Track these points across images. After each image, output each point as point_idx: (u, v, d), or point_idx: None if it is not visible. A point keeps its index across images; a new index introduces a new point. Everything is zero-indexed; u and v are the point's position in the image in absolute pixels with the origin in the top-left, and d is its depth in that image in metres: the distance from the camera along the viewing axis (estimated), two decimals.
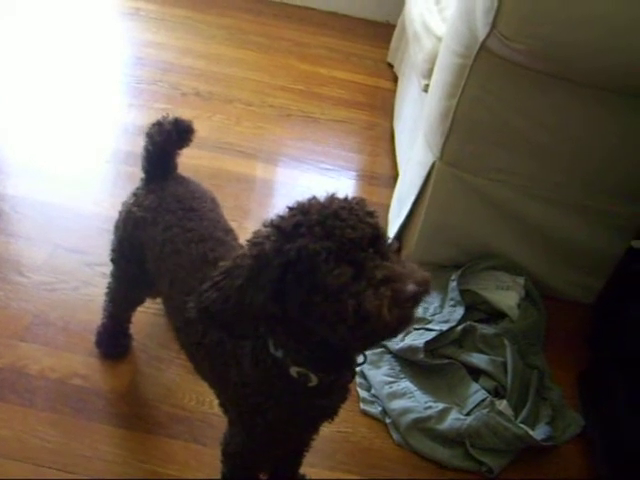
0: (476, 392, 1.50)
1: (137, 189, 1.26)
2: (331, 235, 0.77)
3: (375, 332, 0.78)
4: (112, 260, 1.32)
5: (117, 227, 1.27)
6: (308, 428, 1.09)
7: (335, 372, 0.93)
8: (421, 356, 1.53)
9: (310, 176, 2.16)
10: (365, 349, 0.92)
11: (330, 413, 1.03)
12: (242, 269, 0.82)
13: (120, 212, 1.27)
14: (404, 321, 0.79)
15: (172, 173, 1.26)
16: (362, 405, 1.50)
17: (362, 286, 0.77)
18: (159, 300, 1.33)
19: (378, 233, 0.81)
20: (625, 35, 1.31)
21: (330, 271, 0.76)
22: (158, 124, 1.20)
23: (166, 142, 1.20)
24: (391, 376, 1.53)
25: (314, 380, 0.91)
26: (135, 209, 1.22)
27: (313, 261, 0.77)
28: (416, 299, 0.78)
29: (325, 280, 0.77)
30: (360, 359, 0.95)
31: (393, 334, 0.81)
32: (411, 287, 0.76)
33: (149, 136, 1.21)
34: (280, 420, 0.98)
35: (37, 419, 1.35)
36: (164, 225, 1.15)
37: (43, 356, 1.47)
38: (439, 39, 1.73)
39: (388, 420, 1.47)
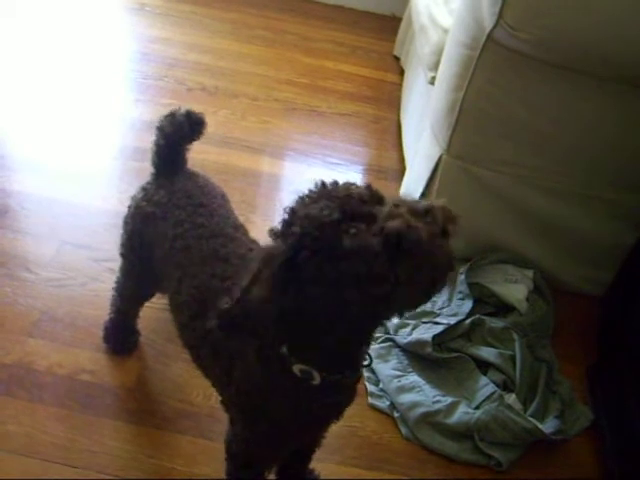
0: (485, 386, 1.49)
1: (146, 184, 1.25)
2: (332, 198, 0.75)
3: (422, 261, 0.72)
4: (121, 255, 1.31)
5: (126, 222, 1.27)
6: (312, 428, 1.08)
7: (339, 371, 0.91)
8: (429, 350, 1.53)
9: (317, 170, 2.16)
10: (407, 307, 0.81)
11: (335, 414, 1.02)
12: (264, 282, 0.79)
13: (129, 207, 1.26)
14: (442, 246, 0.72)
15: (182, 168, 1.25)
16: (370, 399, 1.49)
17: (381, 219, 0.72)
18: (166, 295, 1.33)
19: (380, 195, 0.78)
20: (630, 23, 1.31)
21: (345, 230, 0.73)
22: (170, 115, 1.18)
23: (177, 134, 1.19)
24: (399, 370, 1.53)
25: (317, 378, 0.90)
26: (144, 204, 1.21)
27: (322, 227, 0.73)
28: (448, 220, 0.72)
29: (342, 244, 0.73)
30: (366, 361, 0.94)
31: (440, 259, 0.73)
32: (424, 204, 0.72)
33: (160, 129, 1.20)
34: (282, 419, 0.97)
35: (45, 415, 1.35)
36: (174, 221, 1.14)
37: (51, 352, 1.47)
38: (445, 31, 1.72)
39: (396, 414, 1.47)
